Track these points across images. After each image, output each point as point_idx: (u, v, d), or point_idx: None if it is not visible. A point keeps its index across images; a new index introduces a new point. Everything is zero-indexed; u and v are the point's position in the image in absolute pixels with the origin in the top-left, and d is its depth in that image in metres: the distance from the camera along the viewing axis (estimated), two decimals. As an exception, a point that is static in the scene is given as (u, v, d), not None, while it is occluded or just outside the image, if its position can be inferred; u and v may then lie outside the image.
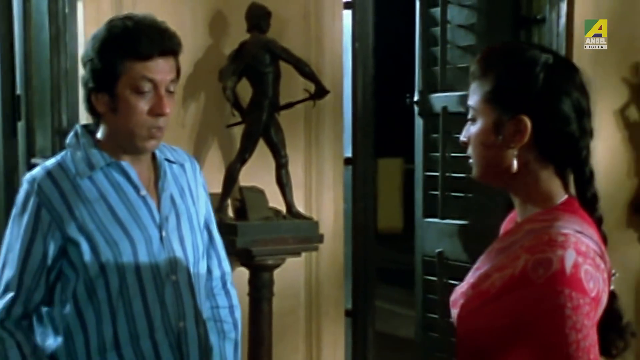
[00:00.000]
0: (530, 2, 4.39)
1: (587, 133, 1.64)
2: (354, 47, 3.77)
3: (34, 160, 3.27)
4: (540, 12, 4.28)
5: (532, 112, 1.62)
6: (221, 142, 3.47)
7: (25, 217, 2.03)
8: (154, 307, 2.05)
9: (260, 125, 3.29)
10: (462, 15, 4.65)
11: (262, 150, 3.35)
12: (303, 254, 3.51)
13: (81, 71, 3.10)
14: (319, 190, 3.69)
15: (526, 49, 1.70)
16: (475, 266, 1.76)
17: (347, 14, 3.76)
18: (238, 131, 3.39)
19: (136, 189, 2.08)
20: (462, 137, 1.74)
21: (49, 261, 2.01)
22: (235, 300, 2.32)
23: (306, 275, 3.71)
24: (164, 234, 2.08)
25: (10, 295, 2.02)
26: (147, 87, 2.00)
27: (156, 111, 2.02)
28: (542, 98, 1.62)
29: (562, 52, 4.15)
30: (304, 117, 3.63)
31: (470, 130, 1.70)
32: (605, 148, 4.33)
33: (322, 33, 3.65)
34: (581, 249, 1.55)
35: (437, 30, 4.73)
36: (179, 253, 2.11)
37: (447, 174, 4.70)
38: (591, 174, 1.66)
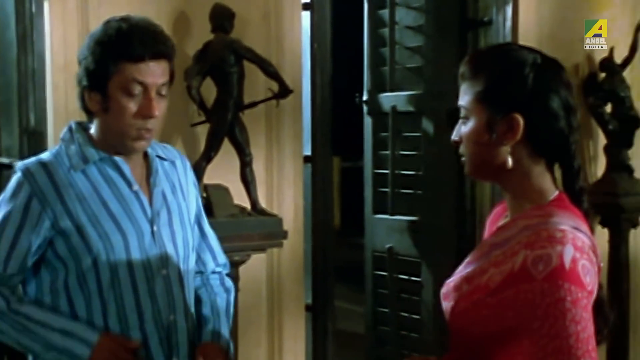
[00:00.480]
0: (477, 5, 4.53)
1: (574, 129, 1.71)
2: (312, 47, 3.85)
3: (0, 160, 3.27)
4: (487, 15, 4.43)
5: (523, 110, 1.69)
6: (186, 141, 3.52)
7: (15, 205, 2.06)
8: (144, 299, 2.09)
9: (225, 124, 3.35)
10: (410, 17, 4.78)
11: (226, 149, 3.41)
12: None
13: (49, 70, 3.14)
14: (280, 188, 3.77)
15: (515, 50, 1.76)
16: (466, 260, 1.81)
17: (306, 15, 3.84)
18: (202, 130, 3.45)
19: (129, 184, 2.12)
20: (454, 137, 1.79)
21: (33, 249, 2.05)
22: (230, 289, 2.38)
23: (268, 270, 3.78)
24: (155, 228, 2.12)
25: None
26: (137, 89, 2.04)
27: (144, 113, 2.05)
28: (533, 97, 1.69)
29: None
30: (264, 116, 3.70)
31: (462, 130, 1.76)
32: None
33: (281, 34, 3.73)
34: (578, 245, 1.61)
35: (386, 31, 4.85)
36: (169, 248, 2.14)
37: (397, 172, 4.83)
38: (579, 168, 1.74)
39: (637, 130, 4.59)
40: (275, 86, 3.42)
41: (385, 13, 4.84)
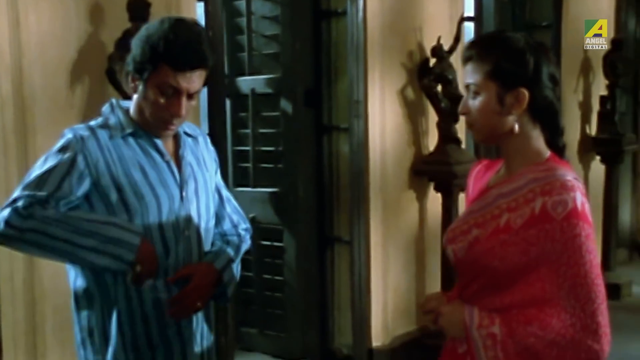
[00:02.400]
0: (330, -3, 5.08)
1: (558, 98, 2.13)
2: (207, 35, 4.22)
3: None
4: (341, 6, 4.95)
5: (527, 84, 2.06)
6: (105, 122, 3.80)
7: (62, 158, 2.27)
8: (172, 257, 2.38)
9: (149, 105, 3.68)
10: (266, 8, 5.22)
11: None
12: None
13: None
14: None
15: (511, 35, 2.12)
16: (469, 209, 2.20)
17: (200, 6, 4.21)
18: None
19: (161, 155, 2.40)
20: (461, 110, 2.15)
21: (73, 198, 2.26)
22: (245, 239, 2.66)
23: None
24: (184, 194, 2.40)
25: (30, 200, 2.21)
26: (170, 91, 2.30)
27: (171, 112, 2.32)
28: (534, 74, 2.06)
29: (361, 43, 4.90)
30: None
31: (472, 103, 2.12)
32: (391, 122, 5.16)
33: (182, 23, 4.08)
34: (582, 191, 2.02)
35: (243, 20, 5.25)
36: (194, 212, 2.43)
37: (257, 148, 5.28)
38: (562, 129, 2.16)
39: (463, 107, 5.36)
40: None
41: (241, 4, 5.23)
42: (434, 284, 5.45)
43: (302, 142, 5.13)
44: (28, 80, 3.49)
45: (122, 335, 2.36)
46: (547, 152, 2.15)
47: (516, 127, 2.10)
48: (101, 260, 2.24)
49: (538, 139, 2.14)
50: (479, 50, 2.12)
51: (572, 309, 1.99)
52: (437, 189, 5.34)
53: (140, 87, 2.34)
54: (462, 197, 5.47)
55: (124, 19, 3.69)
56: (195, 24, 2.38)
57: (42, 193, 2.22)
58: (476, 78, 2.11)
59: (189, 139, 2.54)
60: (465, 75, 2.15)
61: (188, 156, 2.49)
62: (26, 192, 2.21)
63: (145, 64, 2.30)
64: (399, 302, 5.32)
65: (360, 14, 4.88)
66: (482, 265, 2.10)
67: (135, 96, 2.39)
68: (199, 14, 4.19)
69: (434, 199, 5.41)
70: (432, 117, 5.36)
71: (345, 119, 5.01)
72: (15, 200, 2.21)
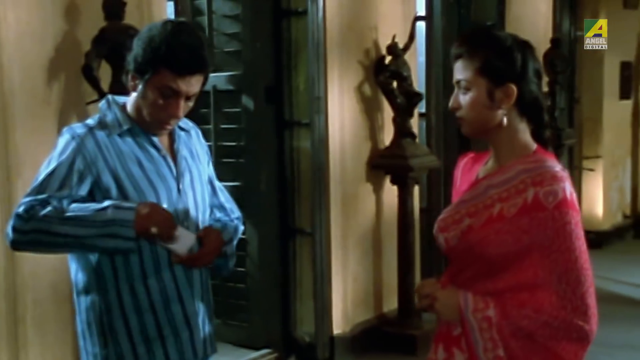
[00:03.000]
0: (290, -3, 5.23)
1: (543, 92, 2.23)
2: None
3: None
4: (302, 6, 5.10)
5: (516, 80, 2.14)
6: (81, 117, 3.86)
7: (62, 160, 2.33)
8: None
9: (125, 101, 3.79)
10: (227, 7, 5.34)
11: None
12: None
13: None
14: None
15: (498, 33, 2.23)
16: (459, 200, 2.28)
17: (170, 5, 4.34)
18: (94, 108, 3.83)
19: (157, 149, 2.46)
20: (452, 104, 2.22)
21: (75, 196, 2.32)
22: (239, 224, 2.72)
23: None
24: (181, 186, 2.47)
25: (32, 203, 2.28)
26: (169, 93, 2.34)
27: (170, 112, 2.37)
28: (521, 70, 2.15)
29: (322, 41, 5.07)
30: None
31: (462, 98, 2.19)
32: (349, 117, 5.36)
33: (151, 20, 4.18)
34: (569, 181, 2.13)
35: (204, 19, 5.36)
36: (191, 204, 2.50)
37: (219, 143, 5.41)
38: (547, 122, 2.23)
39: (418, 103, 5.59)
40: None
41: (202, 3, 5.32)
42: (391, 273, 5.66)
43: (263, 138, 5.27)
44: (7, 76, 3.59)
45: (127, 327, 2.42)
46: (534, 145, 2.23)
47: (505, 120, 2.18)
48: (108, 243, 2.29)
49: (525, 132, 2.23)
50: (468, 48, 2.19)
51: (563, 292, 2.10)
52: (393, 182, 5.55)
53: (140, 87, 2.39)
54: (416, 189, 5.72)
55: (98, 18, 3.80)
56: (196, 28, 2.45)
57: (43, 196, 2.29)
58: (466, 74, 2.18)
59: (182, 133, 2.58)
60: (455, 72, 2.22)
61: (183, 150, 2.55)
62: (28, 198, 2.30)
63: (146, 65, 2.34)
64: (358, 291, 5.52)
65: (320, 13, 5.06)
66: (478, 253, 2.18)
67: (133, 94, 2.45)
68: (169, 13, 4.32)
69: (390, 192, 5.62)
70: (388, 112, 5.56)
71: (305, 115, 5.18)
72: (19, 207, 2.30)
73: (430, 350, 2.35)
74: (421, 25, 6.15)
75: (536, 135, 2.24)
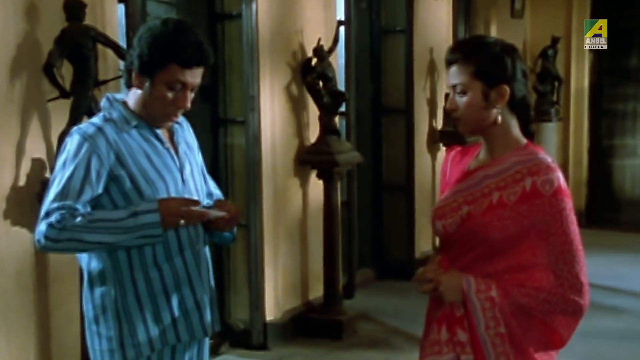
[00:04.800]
0: (223, 1, 5.47)
1: (529, 91, 2.44)
2: (127, 34, 4.54)
3: None
4: (236, 9, 5.37)
5: (507, 82, 2.34)
6: (42, 115, 4.04)
7: (79, 162, 2.46)
8: (182, 232, 2.59)
9: (87, 98, 3.96)
10: (161, 10, 5.53)
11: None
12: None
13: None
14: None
15: (489, 39, 2.43)
16: (455, 189, 2.44)
17: (121, 7, 4.53)
18: (53, 105, 4.00)
19: (161, 142, 2.61)
20: (449, 106, 2.41)
21: (96, 195, 2.49)
22: None
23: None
24: (184, 176, 2.63)
25: (61, 212, 2.43)
26: (178, 86, 2.50)
27: (179, 105, 2.54)
28: (512, 73, 2.35)
29: (255, 43, 5.36)
30: (116, 89, 4.18)
31: (459, 100, 2.37)
32: (279, 116, 5.66)
33: (105, 23, 4.37)
34: (560, 171, 2.34)
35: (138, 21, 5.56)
36: (193, 192, 2.65)
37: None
38: (532, 118, 2.46)
39: (342, 102, 5.93)
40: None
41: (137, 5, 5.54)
42: (317, 263, 5.99)
43: (198, 135, 5.44)
44: (-28, 75, 3.72)
45: (141, 311, 2.56)
46: (524, 140, 2.44)
47: (499, 118, 2.38)
48: (138, 242, 2.49)
49: (515, 127, 2.43)
50: (462, 54, 2.38)
51: (560, 271, 2.31)
52: (319, 177, 5.87)
53: (147, 84, 2.53)
54: (340, 184, 6.05)
55: (58, 18, 3.98)
56: (194, 25, 2.62)
57: (69, 202, 2.43)
58: (462, 79, 2.37)
59: (177, 126, 2.72)
60: (450, 77, 2.40)
61: (181, 142, 2.71)
62: (55, 205, 2.44)
63: (154, 63, 2.48)
64: (287, 280, 5.83)
65: (254, 17, 5.33)
66: (481, 237, 2.36)
67: (138, 91, 2.57)
68: (119, 15, 4.52)
69: (316, 186, 5.95)
70: (314, 111, 5.89)
71: (239, 113, 5.46)
72: (48, 214, 2.44)
73: (432, 331, 2.49)
74: (340, 30, 6.48)
75: (523, 129, 2.46)
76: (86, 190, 2.47)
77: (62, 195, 2.46)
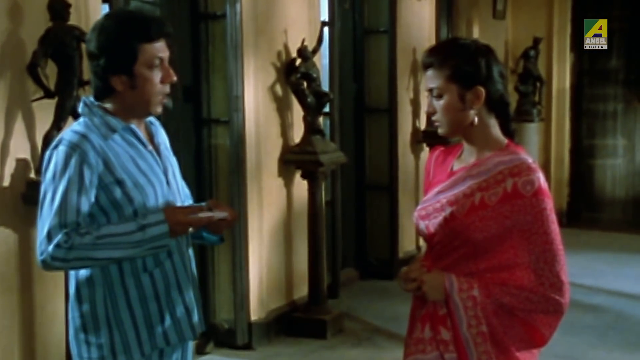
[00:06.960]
0: (207, 1, 5.48)
1: (506, 89, 2.45)
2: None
3: None
4: (220, 9, 5.38)
5: (482, 83, 2.37)
6: (26, 114, 4.03)
7: (71, 174, 2.42)
8: None
9: (72, 98, 3.96)
10: (145, 9, 5.56)
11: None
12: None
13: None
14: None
15: (464, 42, 2.44)
16: (437, 190, 2.47)
17: (105, 7, 4.54)
18: (37, 105, 4.01)
19: (144, 145, 2.58)
20: (428, 109, 2.44)
21: (91, 202, 2.46)
22: None
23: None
24: (168, 178, 2.61)
25: (65, 231, 2.40)
26: (157, 62, 2.48)
27: (167, 80, 2.52)
28: (487, 73, 2.37)
29: (239, 43, 5.37)
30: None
31: (436, 104, 2.40)
32: (264, 116, 5.67)
33: (89, 22, 4.35)
34: (541, 172, 2.38)
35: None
36: (176, 194, 2.65)
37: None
38: (511, 116, 2.49)
39: (327, 103, 5.96)
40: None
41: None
42: (301, 262, 6.02)
43: (182, 135, 5.49)
44: (-45, 74, 3.72)
45: (132, 317, 2.55)
46: (504, 140, 2.47)
47: (476, 119, 2.42)
48: (148, 253, 2.50)
49: (495, 127, 2.47)
50: (437, 58, 2.41)
51: (541, 270, 2.34)
52: (303, 177, 5.89)
53: (127, 79, 2.49)
54: (324, 183, 6.08)
55: (42, 18, 3.98)
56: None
57: (71, 219, 2.40)
58: (438, 82, 2.40)
59: (153, 127, 2.70)
60: (427, 80, 2.44)
61: (162, 143, 2.69)
62: (55, 222, 2.40)
63: (127, 54, 2.47)
64: (272, 279, 5.84)
65: (238, 17, 5.35)
66: (464, 238, 2.39)
67: (118, 90, 2.52)
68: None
69: (300, 186, 5.97)
70: (298, 111, 5.91)
71: (223, 113, 5.47)
72: (50, 234, 2.40)
73: (416, 329, 2.52)
74: (324, 30, 6.51)
75: (503, 128, 2.49)
76: (84, 203, 2.45)
77: (61, 212, 2.42)
